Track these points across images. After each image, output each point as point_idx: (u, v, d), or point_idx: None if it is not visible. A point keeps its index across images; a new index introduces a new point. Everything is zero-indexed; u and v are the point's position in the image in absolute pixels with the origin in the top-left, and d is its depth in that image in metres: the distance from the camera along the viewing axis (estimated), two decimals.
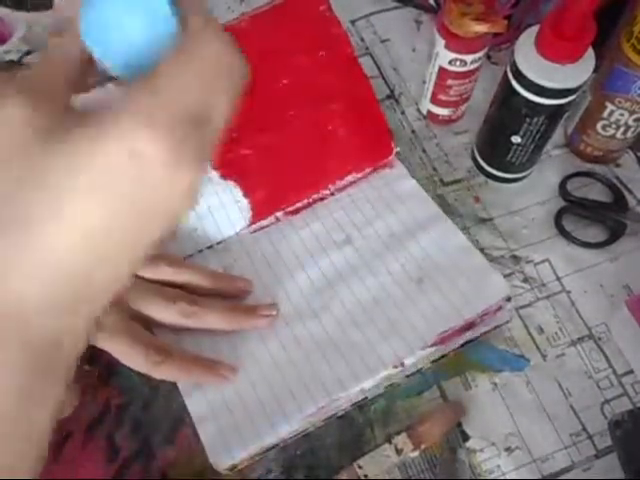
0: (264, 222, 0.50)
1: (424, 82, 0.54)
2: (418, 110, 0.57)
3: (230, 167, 0.50)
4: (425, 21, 0.62)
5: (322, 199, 0.51)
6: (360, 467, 0.43)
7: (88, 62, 0.26)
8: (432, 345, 0.44)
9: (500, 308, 0.46)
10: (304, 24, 0.52)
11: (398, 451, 0.43)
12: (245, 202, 0.50)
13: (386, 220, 0.49)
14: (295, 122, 0.51)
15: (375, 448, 0.43)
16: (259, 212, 0.50)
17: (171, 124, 0.23)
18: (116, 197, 0.22)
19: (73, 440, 0.44)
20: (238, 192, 0.50)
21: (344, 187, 0.51)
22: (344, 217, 0.50)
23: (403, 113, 0.58)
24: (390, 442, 0.43)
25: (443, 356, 0.46)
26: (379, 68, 0.60)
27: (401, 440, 0.43)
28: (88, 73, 0.26)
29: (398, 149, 0.52)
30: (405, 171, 0.52)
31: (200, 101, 0.24)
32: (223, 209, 0.49)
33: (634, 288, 0.50)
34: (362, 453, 0.43)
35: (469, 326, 0.45)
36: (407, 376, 0.46)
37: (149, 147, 0.22)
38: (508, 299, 0.46)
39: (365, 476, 0.42)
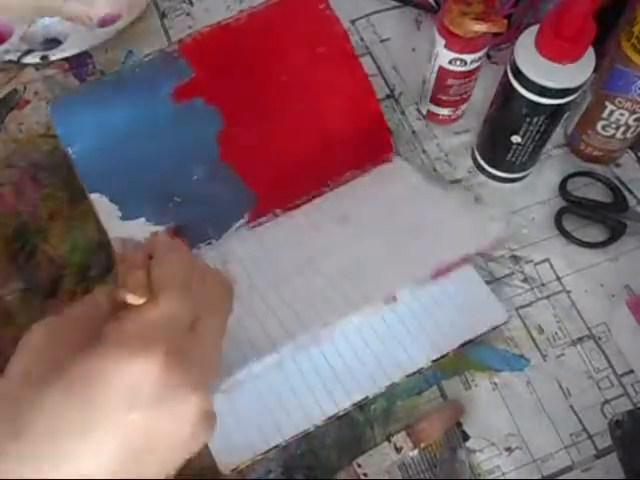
0: (262, 219, 0.50)
1: (424, 82, 0.54)
2: (418, 110, 0.57)
3: (232, 163, 0.50)
4: (425, 21, 0.62)
5: (321, 194, 0.51)
6: (359, 466, 0.43)
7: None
8: (425, 280, 0.45)
9: (495, 244, 0.46)
10: (303, 22, 0.51)
11: (397, 449, 0.43)
12: None
13: (385, 200, 0.50)
14: (294, 119, 0.51)
15: (375, 447, 0.43)
16: (258, 210, 0.50)
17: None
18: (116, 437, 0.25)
19: None
20: None
21: (343, 182, 0.51)
22: (343, 203, 0.50)
23: (403, 113, 0.57)
24: (389, 441, 0.43)
25: (443, 356, 0.46)
26: (379, 68, 0.60)
27: (400, 439, 0.43)
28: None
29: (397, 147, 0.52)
30: (405, 162, 0.52)
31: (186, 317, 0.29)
32: None
33: (634, 288, 0.50)
34: (362, 453, 0.43)
35: (463, 261, 0.46)
36: (407, 376, 0.46)
37: (142, 381, 0.26)
38: (505, 240, 0.46)
39: (365, 475, 0.42)
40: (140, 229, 0.48)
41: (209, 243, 0.49)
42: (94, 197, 0.48)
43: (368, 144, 0.51)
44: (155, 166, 0.49)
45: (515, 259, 0.51)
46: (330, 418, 0.44)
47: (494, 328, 0.47)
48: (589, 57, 0.43)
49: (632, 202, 0.53)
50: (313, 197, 0.51)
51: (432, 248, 0.46)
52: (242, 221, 0.50)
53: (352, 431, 0.45)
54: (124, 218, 0.48)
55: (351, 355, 0.45)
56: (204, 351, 0.30)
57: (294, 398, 0.43)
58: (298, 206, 0.51)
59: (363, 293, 0.44)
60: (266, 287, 0.47)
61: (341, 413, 0.44)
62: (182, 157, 0.49)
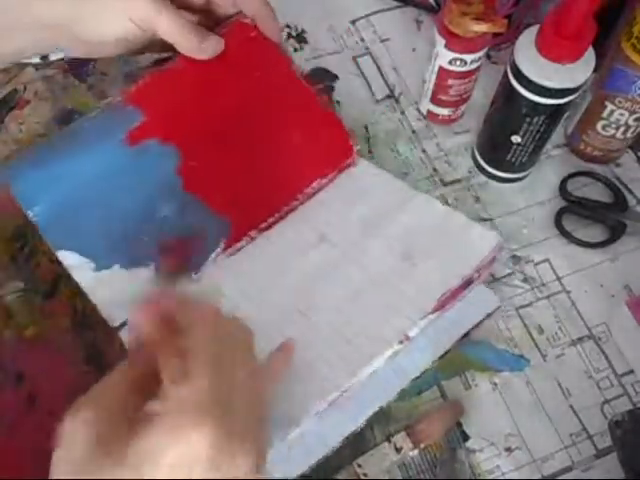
0: (239, 244, 0.50)
1: (424, 82, 0.54)
2: (418, 110, 0.57)
3: (197, 194, 0.49)
4: (425, 21, 0.62)
5: (293, 210, 0.51)
6: (359, 466, 0.43)
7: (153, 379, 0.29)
8: (433, 311, 0.44)
9: (494, 258, 0.46)
10: (237, 51, 0.51)
11: (397, 450, 0.43)
12: None
13: (358, 211, 0.49)
14: (250, 141, 0.50)
15: (375, 447, 0.43)
16: (232, 236, 0.49)
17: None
18: None
19: None
20: None
21: (312, 194, 0.51)
22: (317, 219, 0.50)
23: (403, 113, 0.57)
24: (389, 441, 0.43)
25: (446, 352, 0.46)
26: (379, 68, 0.60)
27: (400, 439, 0.43)
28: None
29: (359, 147, 0.51)
30: (370, 164, 0.52)
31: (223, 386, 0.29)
32: None
33: (634, 288, 0.50)
34: (362, 453, 0.43)
35: (467, 284, 0.45)
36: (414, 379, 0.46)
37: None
38: (500, 248, 0.46)
39: (365, 475, 0.42)
40: (117, 277, 0.46)
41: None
42: (62, 255, 0.46)
43: (328, 152, 0.51)
44: (121, 211, 0.48)
45: (515, 259, 0.51)
46: (347, 437, 0.44)
47: (489, 315, 0.47)
48: (589, 57, 0.44)
49: (632, 202, 0.53)
50: (286, 213, 0.50)
51: (432, 274, 0.45)
52: (218, 249, 0.49)
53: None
54: (98, 269, 0.46)
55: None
56: (247, 407, 0.30)
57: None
58: (272, 225, 0.50)
59: (383, 338, 0.44)
60: (267, 327, 0.42)
61: (358, 430, 0.44)
62: (147, 197, 0.48)
